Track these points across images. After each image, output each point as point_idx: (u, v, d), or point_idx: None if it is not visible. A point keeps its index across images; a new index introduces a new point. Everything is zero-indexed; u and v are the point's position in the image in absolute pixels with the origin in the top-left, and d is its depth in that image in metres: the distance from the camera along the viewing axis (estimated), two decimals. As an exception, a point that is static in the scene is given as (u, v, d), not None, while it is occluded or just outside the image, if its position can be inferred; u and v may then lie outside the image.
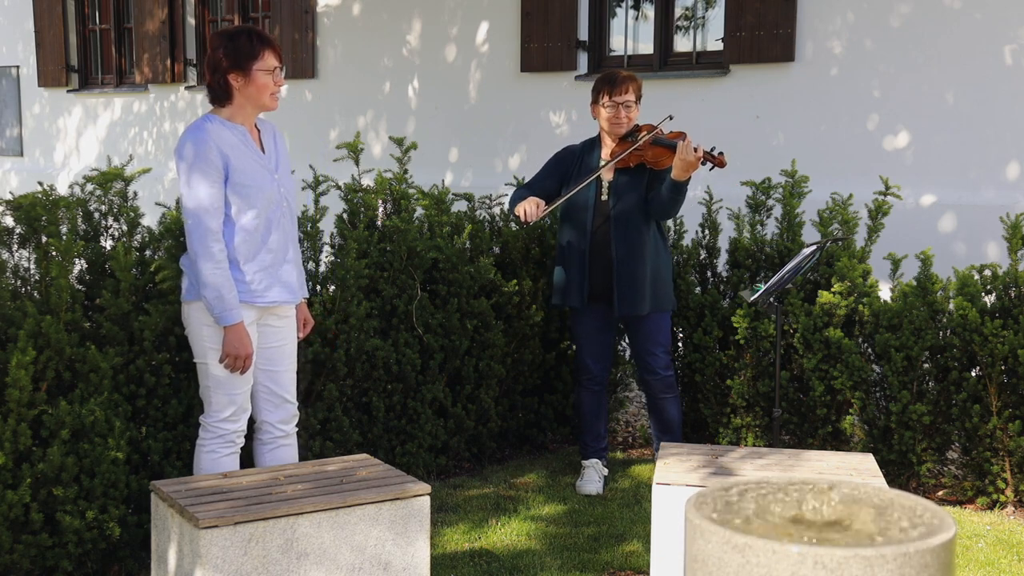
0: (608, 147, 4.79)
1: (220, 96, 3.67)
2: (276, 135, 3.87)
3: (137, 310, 3.99)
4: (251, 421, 3.89)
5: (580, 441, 5.07)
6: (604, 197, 4.71)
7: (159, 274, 3.93)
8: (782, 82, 7.20)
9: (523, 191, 4.76)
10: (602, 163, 4.73)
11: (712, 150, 4.55)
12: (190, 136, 3.60)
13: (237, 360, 3.63)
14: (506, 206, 5.20)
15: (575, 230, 4.75)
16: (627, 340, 5.22)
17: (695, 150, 4.41)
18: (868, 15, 6.85)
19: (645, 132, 4.67)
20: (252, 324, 3.71)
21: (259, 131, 3.78)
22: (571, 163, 4.82)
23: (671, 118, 4.73)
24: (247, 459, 3.96)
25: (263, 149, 3.75)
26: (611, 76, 4.76)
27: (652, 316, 4.75)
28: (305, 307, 4.06)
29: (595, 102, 4.76)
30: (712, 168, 4.56)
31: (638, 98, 4.75)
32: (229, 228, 3.62)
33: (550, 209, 4.61)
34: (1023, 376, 4.56)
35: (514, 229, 5.27)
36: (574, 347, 5.10)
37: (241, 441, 3.80)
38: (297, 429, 3.99)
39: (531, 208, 4.54)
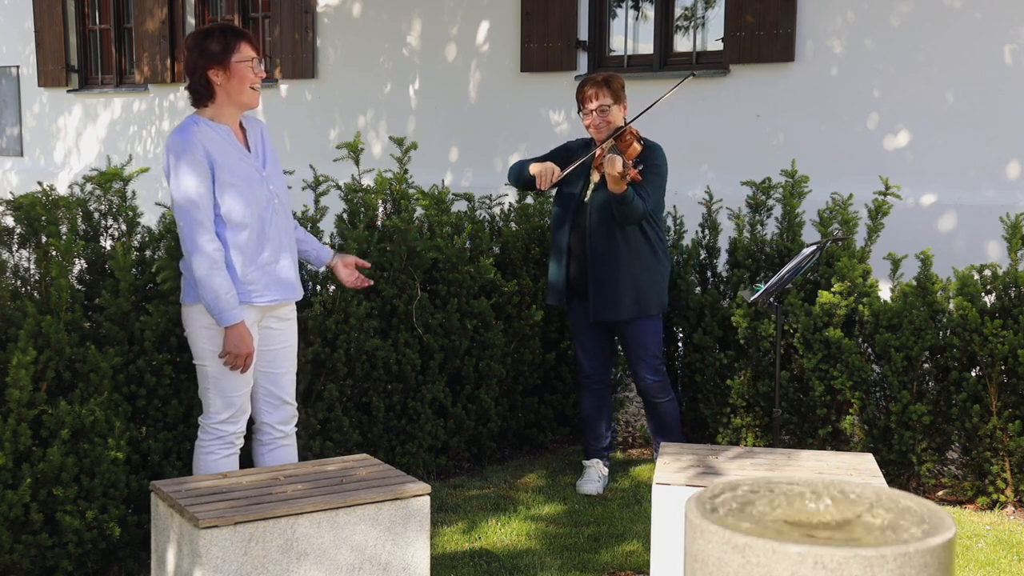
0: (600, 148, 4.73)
1: (203, 96, 3.65)
2: (263, 132, 3.83)
3: (137, 310, 3.99)
4: (251, 422, 3.89)
5: (583, 441, 5.08)
6: (586, 199, 4.70)
7: (160, 275, 3.92)
8: (782, 82, 7.19)
9: (523, 162, 4.72)
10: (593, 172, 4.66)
11: (635, 165, 4.41)
12: (176, 135, 3.59)
13: (237, 359, 3.60)
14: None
15: (560, 228, 4.75)
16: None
17: (614, 163, 4.29)
18: (868, 15, 6.85)
19: (628, 137, 4.55)
20: (253, 325, 3.69)
21: (245, 131, 3.75)
22: (571, 159, 4.75)
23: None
24: (246, 460, 3.96)
25: (248, 148, 3.73)
26: (581, 84, 4.72)
27: (636, 322, 4.72)
28: (344, 256, 4.03)
29: (578, 109, 4.75)
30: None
31: (617, 99, 4.66)
32: (222, 229, 3.58)
33: (563, 176, 4.54)
34: (1023, 376, 4.56)
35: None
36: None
37: (240, 442, 3.79)
38: (297, 429, 3.99)
39: (548, 172, 4.49)
